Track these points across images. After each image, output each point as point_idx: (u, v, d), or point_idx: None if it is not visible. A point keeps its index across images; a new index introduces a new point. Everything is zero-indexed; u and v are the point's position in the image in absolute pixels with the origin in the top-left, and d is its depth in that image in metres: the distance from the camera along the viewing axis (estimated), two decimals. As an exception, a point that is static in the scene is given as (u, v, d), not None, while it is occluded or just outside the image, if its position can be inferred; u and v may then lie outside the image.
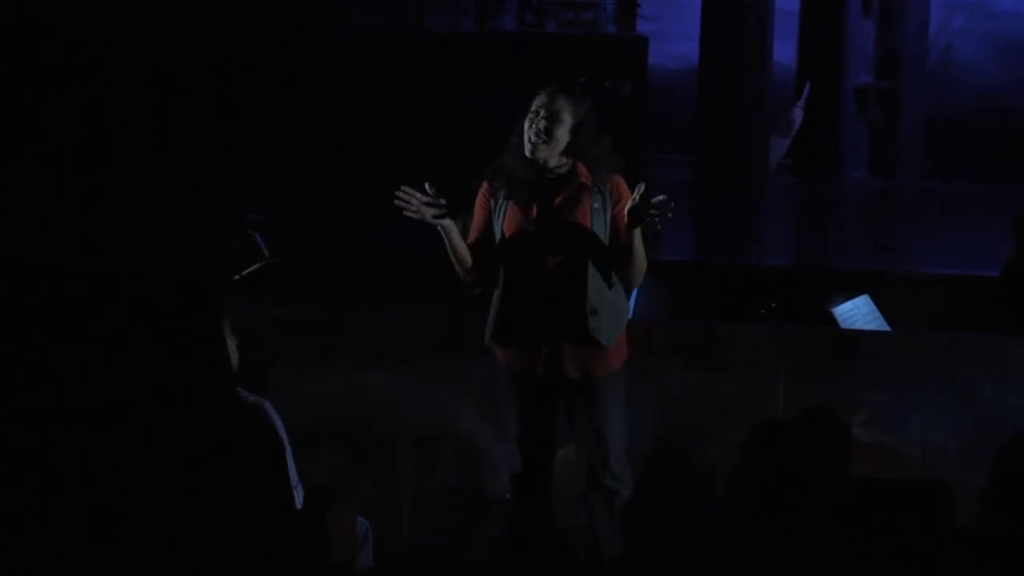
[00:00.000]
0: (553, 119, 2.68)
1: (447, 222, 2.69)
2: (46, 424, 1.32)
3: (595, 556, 2.76)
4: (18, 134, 5.18)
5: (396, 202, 2.67)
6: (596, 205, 2.71)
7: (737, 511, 1.96)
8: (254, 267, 3.72)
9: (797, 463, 1.97)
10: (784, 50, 6.04)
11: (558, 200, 2.72)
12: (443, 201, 2.68)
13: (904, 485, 2.10)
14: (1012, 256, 3.71)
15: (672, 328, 3.31)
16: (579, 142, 2.71)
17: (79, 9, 5.27)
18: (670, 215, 2.61)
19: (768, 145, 5.88)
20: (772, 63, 5.79)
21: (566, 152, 2.72)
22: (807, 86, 6.18)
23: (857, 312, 3.56)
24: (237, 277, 3.63)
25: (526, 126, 2.70)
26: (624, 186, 2.74)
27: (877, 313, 3.58)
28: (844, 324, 3.51)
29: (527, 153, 2.70)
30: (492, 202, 2.76)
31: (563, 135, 2.69)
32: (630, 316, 2.85)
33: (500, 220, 2.75)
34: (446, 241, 2.72)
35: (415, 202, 2.67)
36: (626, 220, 2.64)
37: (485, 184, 2.78)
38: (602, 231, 2.72)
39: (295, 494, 2.44)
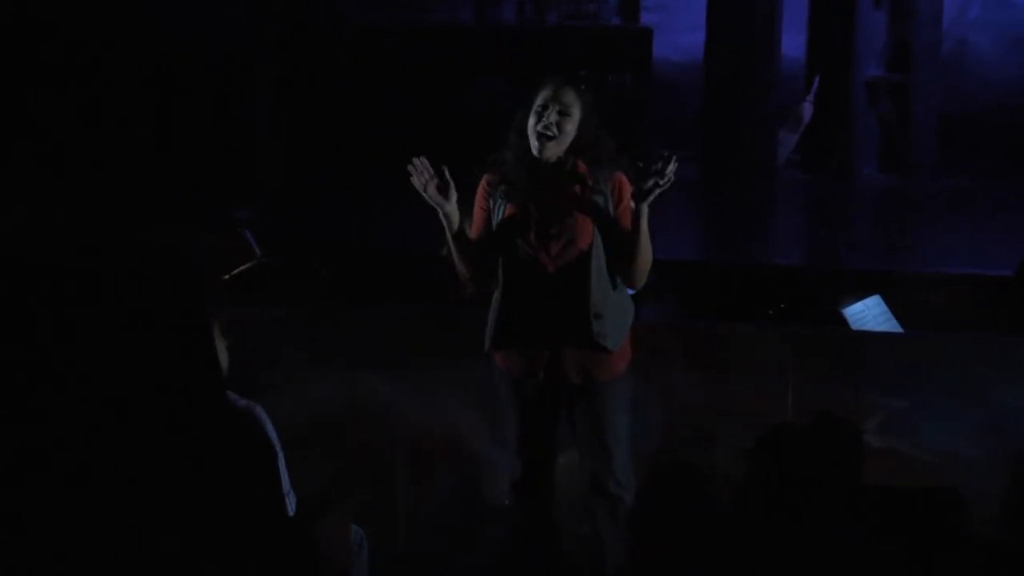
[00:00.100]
0: (564, 114, 2.59)
1: (450, 208, 2.60)
2: (37, 425, 1.31)
3: (597, 564, 2.69)
4: (18, 134, 5.17)
5: (408, 167, 2.58)
6: (599, 205, 2.63)
7: (745, 517, 1.90)
8: (245, 266, 3.68)
9: (806, 469, 1.92)
10: (793, 42, 5.90)
11: (560, 199, 2.64)
12: (452, 184, 2.58)
13: (916, 492, 2.04)
14: (1029, 254, 3.62)
15: (677, 329, 3.24)
16: (583, 138, 2.63)
17: (79, 9, 5.27)
18: (673, 166, 2.50)
19: (776, 140, 5.79)
20: (780, 55, 5.70)
21: (569, 148, 2.63)
22: (816, 79, 6.05)
23: (868, 313, 3.49)
24: (227, 276, 3.60)
25: (532, 121, 2.60)
26: (627, 184, 2.66)
27: (889, 314, 3.51)
28: (855, 325, 3.44)
29: (534, 150, 2.61)
30: (491, 201, 2.68)
31: (572, 130, 2.61)
32: (633, 318, 2.78)
33: (499, 220, 2.68)
34: (447, 232, 2.64)
35: (426, 174, 2.58)
36: (634, 202, 2.54)
37: (484, 183, 2.70)
38: (605, 231, 2.64)
39: (287, 501, 2.38)
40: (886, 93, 6.04)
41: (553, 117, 2.58)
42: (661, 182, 2.53)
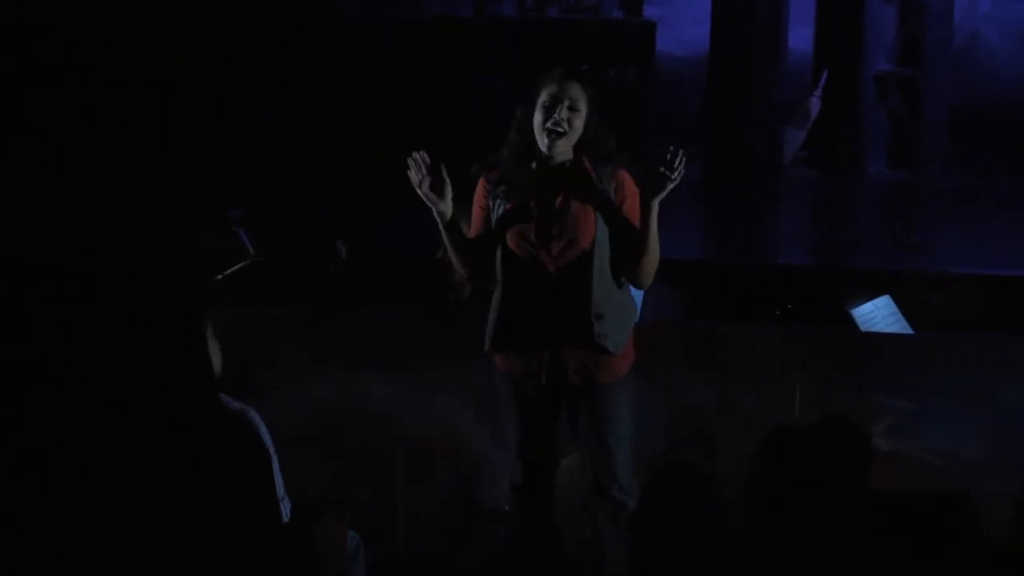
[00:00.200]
0: (574, 109, 2.52)
1: (444, 207, 2.55)
2: (37, 425, 1.30)
3: (598, 566, 2.64)
4: (18, 134, 5.17)
5: (408, 160, 2.53)
6: (601, 203, 2.57)
7: (750, 523, 1.86)
8: (238, 265, 3.65)
9: (813, 473, 1.88)
10: (800, 36, 5.78)
11: (561, 197, 2.59)
12: (448, 183, 2.53)
13: (926, 496, 1.99)
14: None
15: (681, 330, 3.19)
16: (587, 134, 2.56)
17: (79, 9, 5.26)
18: (683, 161, 2.44)
19: (783, 137, 5.70)
20: (787, 49, 5.60)
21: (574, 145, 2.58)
22: (824, 74, 5.93)
23: (877, 314, 3.44)
24: (220, 276, 3.57)
25: (539, 118, 2.53)
26: (630, 181, 2.60)
27: (899, 315, 3.46)
28: (864, 326, 3.40)
29: (543, 147, 2.54)
30: (490, 200, 2.63)
31: (580, 126, 2.54)
32: (637, 318, 2.72)
33: (499, 218, 2.62)
34: (443, 233, 2.59)
35: (423, 169, 2.53)
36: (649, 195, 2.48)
37: (483, 182, 2.65)
38: (607, 230, 2.58)
39: (281, 507, 2.34)
40: (896, 88, 5.93)
41: (564, 113, 2.52)
42: (672, 176, 2.46)
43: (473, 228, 2.67)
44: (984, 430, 2.91)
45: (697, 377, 3.02)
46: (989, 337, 3.24)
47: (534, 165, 2.59)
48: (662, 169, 2.45)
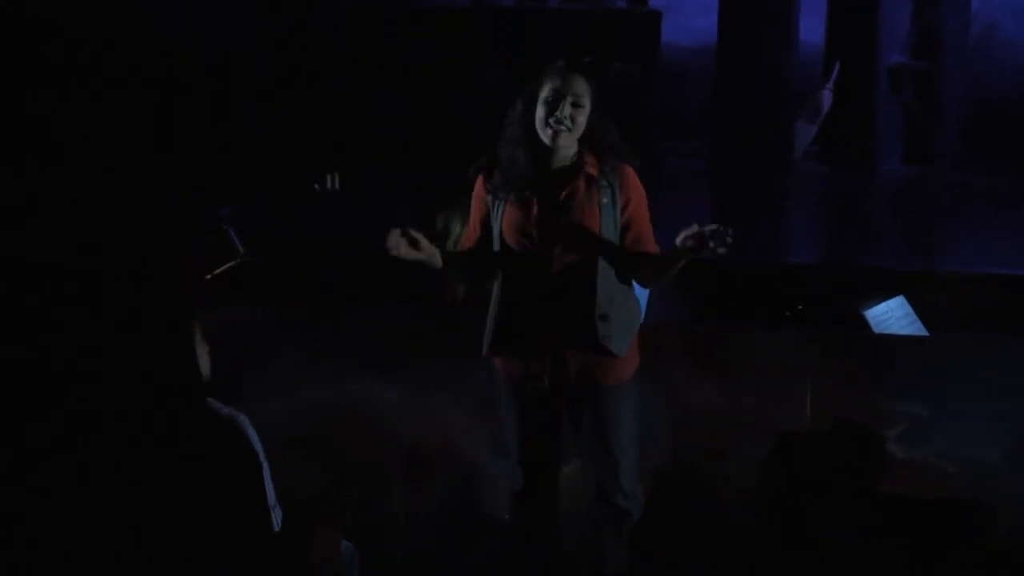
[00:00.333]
0: (577, 105, 2.45)
1: (428, 254, 2.49)
2: (37, 425, 1.29)
3: (598, 568, 2.57)
4: (19, 134, 5.16)
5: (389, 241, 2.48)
6: (605, 200, 2.49)
7: (759, 530, 1.79)
8: (228, 265, 3.61)
9: (825, 479, 1.81)
10: (811, 27, 5.61)
11: (563, 194, 2.51)
12: (419, 235, 2.46)
13: (941, 503, 1.92)
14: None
15: (687, 332, 3.12)
16: (591, 128, 2.49)
17: (79, 9, 5.25)
18: (729, 241, 2.37)
19: (793, 131, 5.57)
20: (798, 41, 5.44)
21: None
22: (836, 66, 5.76)
23: (891, 315, 3.37)
24: (209, 276, 3.53)
25: (542, 112, 2.46)
26: (635, 178, 2.52)
27: (913, 316, 3.38)
28: (877, 328, 3.32)
29: (547, 141, 2.47)
30: (490, 200, 2.55)
31: (584, 122, 2.47)
32: (642, 319, 2.64)
33: (499, 218, 2.55)
34: (448, 272, 2.54)
35: (394, 239, 2.47)
36: (685, 247, 2.42)
37: (482, 181, 2.57)
38: (612, 227, 2.51)
39: (272, 515, 2.27)
40: (910, 81, 5.78)
41: (568, 110, 2.45)
42: (718, 249, 2.38)
43: (472, 228, 2.60)
44: (1002, 434, 2.83)
45: (705, 381, 2.95)
46: (1008, 339, 3.14)
47: (535, 160, 2.51)
48: (711, 244, 2.38)
